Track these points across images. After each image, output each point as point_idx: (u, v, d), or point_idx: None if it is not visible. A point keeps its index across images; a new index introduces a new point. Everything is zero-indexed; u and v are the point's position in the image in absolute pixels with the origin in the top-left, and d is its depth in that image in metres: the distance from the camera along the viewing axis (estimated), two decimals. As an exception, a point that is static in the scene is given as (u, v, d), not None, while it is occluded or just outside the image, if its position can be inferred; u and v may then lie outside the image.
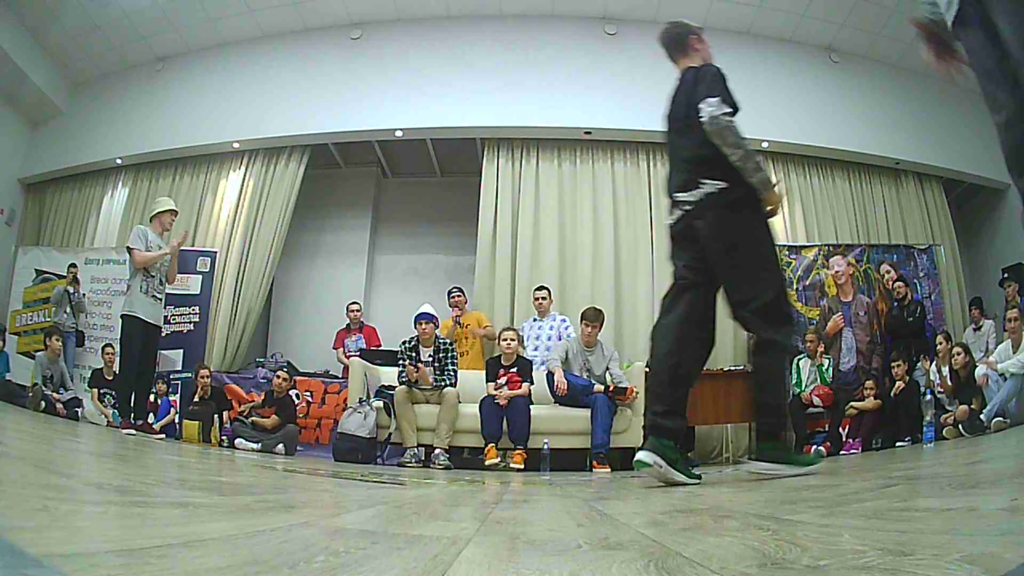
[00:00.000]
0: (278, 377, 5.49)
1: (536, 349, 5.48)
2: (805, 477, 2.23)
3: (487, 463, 4.38)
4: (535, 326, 5.69)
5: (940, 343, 5.28)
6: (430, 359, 4.92)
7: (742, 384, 5.22)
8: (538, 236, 6.80)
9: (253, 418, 5.28)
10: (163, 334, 6.66)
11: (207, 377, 5.72)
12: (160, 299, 4.90)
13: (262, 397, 5.65)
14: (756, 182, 2.33)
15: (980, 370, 4.70)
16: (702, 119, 2.33)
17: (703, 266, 2.38)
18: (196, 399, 5.66)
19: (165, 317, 6.69)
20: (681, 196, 2.42)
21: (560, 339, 5.43)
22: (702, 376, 5.57)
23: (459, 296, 6.08)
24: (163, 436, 5.16)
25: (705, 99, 2.36)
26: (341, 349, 6.49)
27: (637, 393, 4.77)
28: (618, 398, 4.67)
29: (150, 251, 4.76)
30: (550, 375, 4.75)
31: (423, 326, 4.91)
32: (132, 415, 4.72)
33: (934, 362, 5.23)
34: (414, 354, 4.90)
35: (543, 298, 5.69)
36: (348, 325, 6.63)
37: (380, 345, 6.35)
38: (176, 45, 7.57)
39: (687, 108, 2.44)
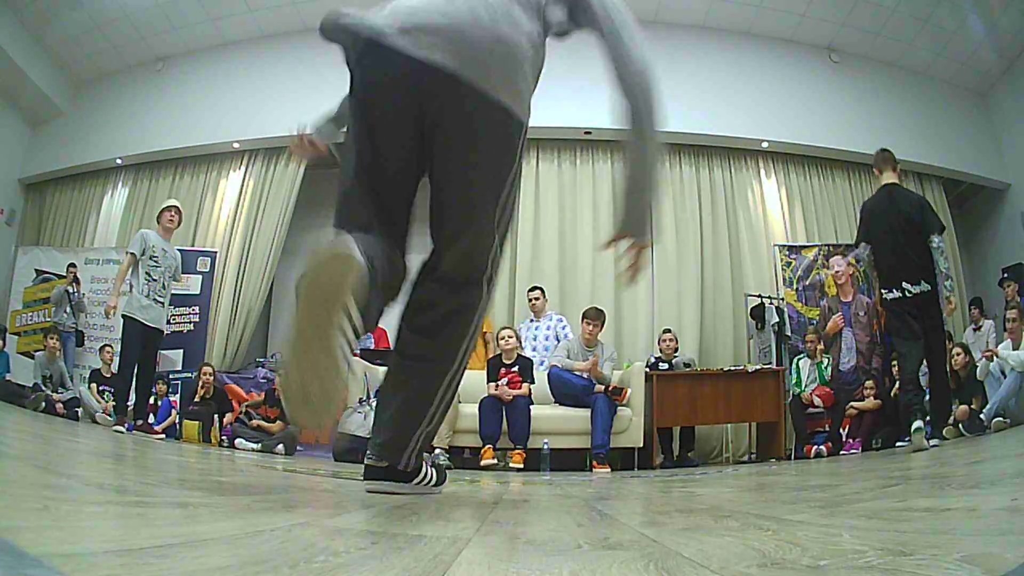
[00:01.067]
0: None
1: (535, 350, 5.44)
2: (805, 477, 2.23)
3: (483, 463, 4.38)
4: (531, 327, 5.65)
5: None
6: (431, 358, 4.91)
7: (742, 384, 5.23)
8: (538, 236, 6.80)
9: (257, 421, 5.27)
10: (164, 334, 6.69)
11: (210, 375, 5.67)
12: (162, 302, 4.88)
13: (262, 396, 5.62)
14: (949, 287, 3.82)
15: (982, 361, 4.72)
16: (933, 246, 3.78)
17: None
18: (197, 398, 5.62)
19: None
20: (907, 286, 3.81)
21: (558, 340, 5.40)
22: (702, 376, 5.60)
23: None
24: (163, 436, 5.16)
25: (938, 234, 3.82)
26: None
27: (630, 395, 4.77)
28: (615, 398, 4.66)
29: (154, 255, 4.76)
30: (552, 375, 4.75)
31: None
32: (128, 413, 4.75)
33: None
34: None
35: (536, 298, 5.65)
36: None
37: (388, 347, 6.32)
38: (176, 45, 7.57)
39: (917, 224, 3.83)
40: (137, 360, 4.72)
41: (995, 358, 4.66)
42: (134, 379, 4.78)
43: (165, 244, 4.89)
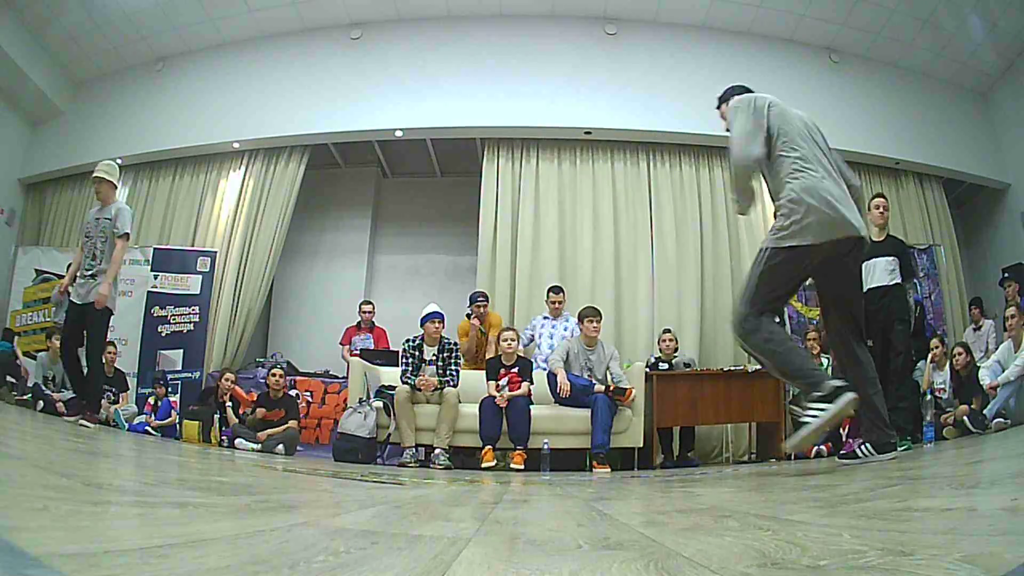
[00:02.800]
0: (273, 376, 5.39)
1: (552, 349, 5.40)
2: (805, 477, 2.22)
3: (484, 465, 4.37)
4: (548, 324, 5.64)
5: (935, 346, 5.27)
6: (433, 358, 4.91)
7: (742, 384, 5.22)
8: (538, 236, 6.80)
9: (257, 414, 5.24)
10: (163, 334, 6.70)
11: (232, 382, 5.59)
12: (91, 273, 4.52)
13: (254, 396, 5.55)
14: None
15: (984, 376, 4.71)
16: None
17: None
18: (220, 401, 5.52)
19: (165, 317, 6.71)
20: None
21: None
22: (702, 376, 5.59)
23: (484, 304, 5.70)
24: (88, 425, 4.58)
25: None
26: (348, 346, 6.47)
27: (635, 395, 4.77)
28: (617, 398, 4.66)
29: (87, 232, 4.59)
30: (552, 376, 4.75)
31: (435, 325, 4.89)
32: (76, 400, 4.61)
33: (929, 365, 5.24)
34: (418, 352, 4.90)
35: (559, 301, 5.65)
36: (359, 323, 6.60)
37: (388, 348, 6.30)
38: (176, 45, 7.57)
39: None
40: (70, 341, 4.53)
41: (995, 362, 4.67)
42: (75, 363, 4.56)
43: (99, 212, 4.65)
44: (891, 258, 4.47)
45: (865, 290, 4.46)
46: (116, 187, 4.82)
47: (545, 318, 5.70)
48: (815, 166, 2.54)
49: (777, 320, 2.63)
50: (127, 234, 4.57)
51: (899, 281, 4.39)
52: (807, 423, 2.34)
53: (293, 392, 6.40)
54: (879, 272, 4.44)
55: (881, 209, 4.61)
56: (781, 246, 2.50)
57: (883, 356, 4.40)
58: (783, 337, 2.57)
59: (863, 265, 4.46)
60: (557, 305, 5.63)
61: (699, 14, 7.06)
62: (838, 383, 2.37)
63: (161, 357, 6.62)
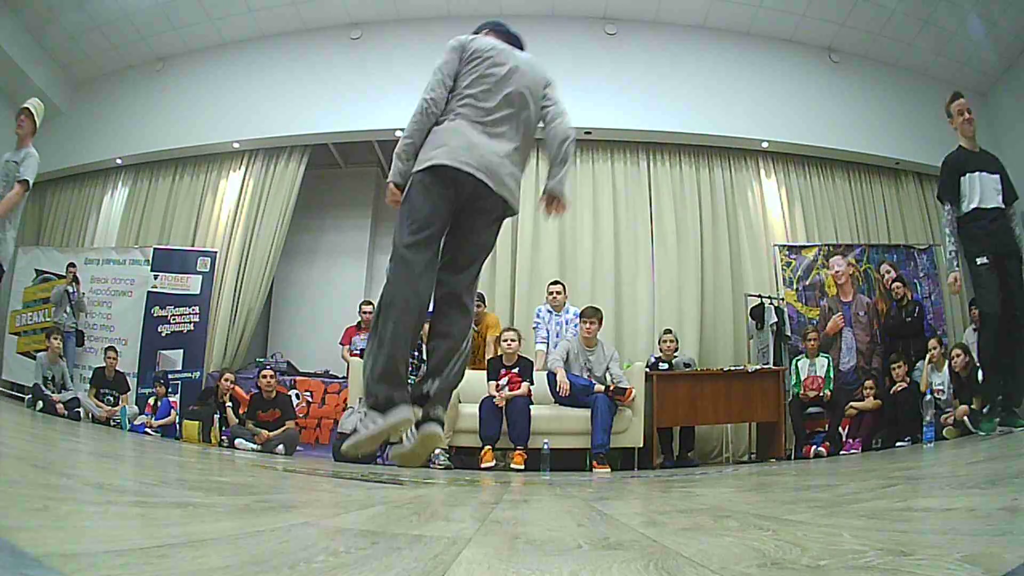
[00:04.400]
0: (264, 377, 5.35)
1: (557, 338, 5.39)
2: (805, 477, 2.23)
3: (484, 465, 4.37)
4: (553, 318, 5.63)
5: (933, 347, 5.27)
6: (431, 358, 4.90)
7: (742, 384, 5.23)
8: (538, 235, 6.80)
9: (252, 422, 5.23)
10: (163, 334, 6.70)
11: (231, 382, 5.61)
12: None
13: (249, 396, 5.54)
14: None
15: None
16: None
17: None
18: (220, 401, 5.51)
19: (165, 317, 6.72)
20: None
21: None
22: (702, 376, 5.58)
23: (478, 305, 5.68)
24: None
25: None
26: (348, 346, 6.46)
27: (635, 395, 4.77)
28: (618, 398, 4.66)
29: (6, 169, 4.09)
30: (552, 375, 4.74)
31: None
32: None
33: (927, 365, 5.24)
34: (417, 352, 4.90)
35: (559, 292, 5.64)
36: (359, 323, 6.60)
37: None
38: (176, 45, 7.57)
39: None
40: None
41: None
42: None
43: (12, 154, 4.13)
44: (997, 176, 3.86)
45: (971, 208, 3.76)
46: (36, 130, 4.26)
47: (549, 311, 5.69)
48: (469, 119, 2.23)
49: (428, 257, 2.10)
50: (27, 181, 4.05)
51: (1003, 206, 3.79)
52: (357, 431, 1.86)
53: (293, 392, 6.41)
54: (988, 191, 3.78)
55: (966, 116, 4.00)
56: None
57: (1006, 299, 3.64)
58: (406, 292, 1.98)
59: (962, 178, 3.77)
60: (556, 296, 5.62)
61: (698, 14, 7.06)
62: (398, 394, 1.85)
63: (161, 357, 6.62)
